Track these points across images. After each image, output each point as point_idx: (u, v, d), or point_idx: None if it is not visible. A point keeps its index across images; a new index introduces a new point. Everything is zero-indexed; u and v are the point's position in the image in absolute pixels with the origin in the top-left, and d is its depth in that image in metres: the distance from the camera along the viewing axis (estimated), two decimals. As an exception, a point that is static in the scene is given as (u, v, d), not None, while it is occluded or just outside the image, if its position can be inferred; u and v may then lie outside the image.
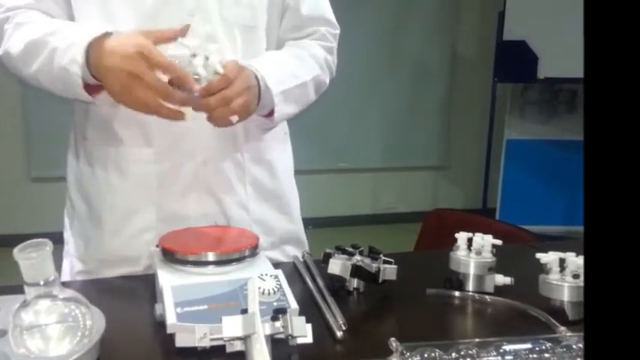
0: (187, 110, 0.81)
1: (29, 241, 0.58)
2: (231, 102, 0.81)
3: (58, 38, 0.82)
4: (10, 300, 0.68)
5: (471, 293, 0.84)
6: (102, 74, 0.79)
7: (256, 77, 0.88)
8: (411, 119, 4.08)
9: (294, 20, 1.01)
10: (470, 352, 0.62)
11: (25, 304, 0.60)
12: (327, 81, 1.05)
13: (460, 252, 0.86)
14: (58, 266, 0.69)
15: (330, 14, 1.05)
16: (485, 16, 3.94)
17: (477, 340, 0.64)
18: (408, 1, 3.92)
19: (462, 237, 0.87)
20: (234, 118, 0.85)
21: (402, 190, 4.16)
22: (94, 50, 0.79)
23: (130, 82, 0.76)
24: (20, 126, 3.36)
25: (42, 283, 0.59)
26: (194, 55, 0.77)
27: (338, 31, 1.06)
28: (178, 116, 0.80)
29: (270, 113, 0.93)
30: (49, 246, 0.59)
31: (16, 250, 0.57)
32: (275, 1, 0.97)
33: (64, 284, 0.64)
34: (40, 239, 0.59)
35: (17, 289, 0.68)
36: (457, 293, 0.84)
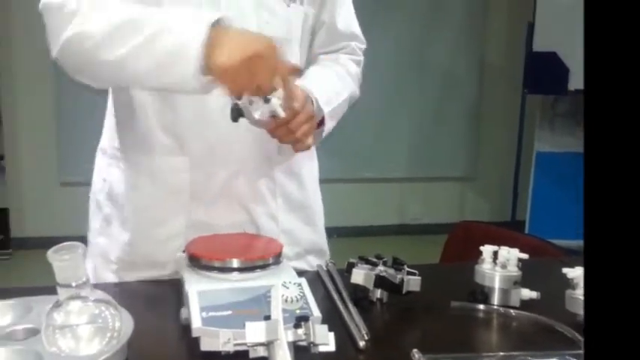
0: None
1: (62, 244, 0.60)
2: (295, 132, 0.87)
3: (163, 19, 0.77)
4: (42, 300, 0.70)
5: (495, 307, 0.83)
6: (224, 49, 0.74)
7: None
8: (438, 129, 4.05)
9: (328, 36, 1.05)
10: (493, 365, 0.61)
11: (57, 305, 0.62)
12: (358, 95, 1.09)
13: (485, 265, 0.86)
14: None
15: (358, 30, 1.10)
16: (514, 26, 3.91)
17: (501, 353, 0.63)
18: (435, 10, 3.91)
19: (487, 250, 0.86)
20: (310, 140, 0.90)
21: (428, 200, 4.12)
22: (214, 30, 0.75)
23: (255, 61, 0.74)
24: (52, 133, 3.45)
25: (74, 284, 0.61)
26: (267, 100, 0.81)
27: (364, 46, 1.11)
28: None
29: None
30: (81, 249, 0.61)
31: (50, 252, 0.60)
32: (308, 17, 1.00)
33: (94, 286, 0.66)
34: (72, 242, 0.61)
35: (48, 289, 0.70)
36: (482, 306, 0.83)
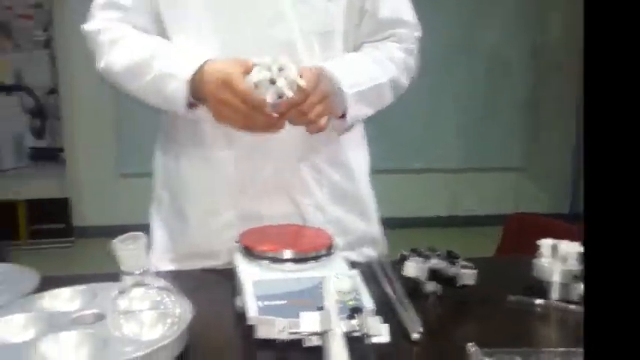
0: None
1: (127, 234, 0.63)
2: (308, 113, 0.85)
3: (159, 64, 0.90)
4: (107, 287, 0.74)
5: (554, 301, 0.81)
6: (201, 99, 0.88)
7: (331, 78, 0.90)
8: (491, 117, 3.91)
9: (371, 25, 1.02)
10: (552, 361, 0.60)
11: (121, 292, 0.65)
12: (407, 83, 1.04)
13: (544, 259, 0.83)
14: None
15: (409, 16, 1.04)
16: (571, 8, 3.73)
17: (560, 349, 0.62)
18: (485, -7, 3.77)
19: (545, 244, 0.84)
20: (323, 120, 0.88)
21: (481, 191, 4.00)
22: (194, 81, 0.87)
23: (220, 106, 0.85)
24: (111, 125, 3.59)
25: (137, 272, 0.64)
26: (273, 82, 0.81)
27: (418, 33, 1.05)
28: (274, 129, 0.85)
29: (343, 115, 0.95)
30: (143, 238, 0.64)
31: (115, 242, 0.63)
32: (352, 7, 0.98)
33: (155, 274, 0.69)
34: (136, 232, 0.64)
35: (111, 276, 0.74)
36: (540, 301, 0.81)
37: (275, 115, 0.84)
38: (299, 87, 0.82)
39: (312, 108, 0.85)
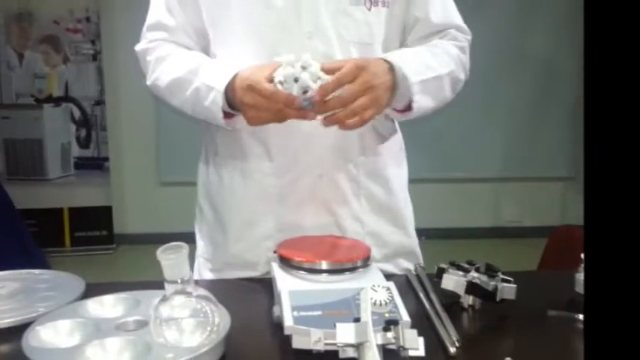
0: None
1: (169, 244, 0.65)
2: (350, 103, 0.84)
3: (198, 78, 0.94)
4: (149, 295, 0.76)
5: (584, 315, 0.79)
6: (236, 107, 0.91)
7: (391, 69, 0.89)
8: (537, 125, 3.78)
9: (424, 30, 1.01)
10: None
11: (164, 299, 0.67)
12: (463, 78, 1.02)
13: (585, 273, 0.81)
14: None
15: (459, 21, 1.04)
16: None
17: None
18: (534, -2, 3.65)
19: (587, 257, 0.82)
20: (368, 114, 0.86)
21: (527, 202, 3.87)
22: (229, 90, 0.90)
23: (250, 111, 0.87)
24: (153, 135, 3.70)
25: (179, 281, 0.66)
26: (297, 79, 0.82)
27: (470, 37, 1.04)
28: (306, 116, 0.85)
29: (407, 108, 0.94)
30: (185, 249, 0.66)
31: (158, 252, 0.65)
32: (395, 16, 0.98)
33: (196, 283, 0.71)
34: (179, 242, 0.65)
35: (153, 284, 0.76)
36: (581, 317, 0.79)
37: (307, 107, 0.84)
38: (323, 79, 0.83)
39: (354, 97, 0.84)
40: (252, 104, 0.86)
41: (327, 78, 0.83)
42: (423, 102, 0.93)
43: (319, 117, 0.86)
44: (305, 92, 0.82)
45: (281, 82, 0.83)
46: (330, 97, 0.84)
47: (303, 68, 0.82)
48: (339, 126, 0.86)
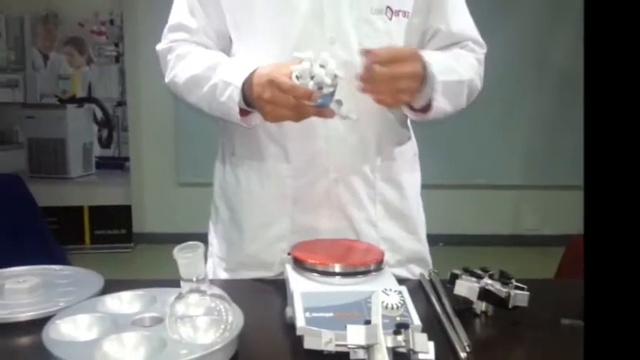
0: (352, 113, 0.89)
1: (186, 243, 0.67)
2: (398, 81, 0.86)
3: (216, 75, 0.95)
4: (165, 292, 0.78)
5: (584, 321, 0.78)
6: (253, 104, 0.91)
7: (422, 65, 0.90)
8: (559, 133, 3.74)
9: (444, 40, 1.02)
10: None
11: (179, 297, 0.68)
12: (480, 89, 1.03)
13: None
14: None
15: (476, 34, 1.05)
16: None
17: (613, 377, 0.60)
18: (556, 5, 3.62)
19: (601, 266, 0.81)
20: (404, 97, 0.87)
21: (546, 210, 3.83)
22: (246, 87, 0.91)
23: (270, 106, 0.87)
24: (172, 136, 3.75)
25: (194, 279, 0.67)
26: (312, 76, 0.84)
27: (485, 50, 1.05)
28: (324, 114, 0.87)
29: (424, 108, 0.94)
30: (201, 248, 0.67)
31: (175, 251, 0.66)
32: (414, 26, 0.99)
33: (210, 282, 0.72)
34: (195, 242, 0.67)
35: (169, 282, 0.78)
36: (594, 326, 0.79)
37: (325, 105, 0.85)
38: (338, 77, 0.84)
39: (404, 76, 0.86)
40: (270, 99, 0.86)
41: (342, 74, 0.84)
42: (442, 103, 0.94)
43: (342, 111, 0.87)
44: (320, 89, 0.83)
45: (297, 77, 0.84)
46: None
47: (322, 67, 0.83)
48: (373, 97, 0.87)
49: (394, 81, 0.86)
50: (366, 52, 0.85)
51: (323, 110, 0.86)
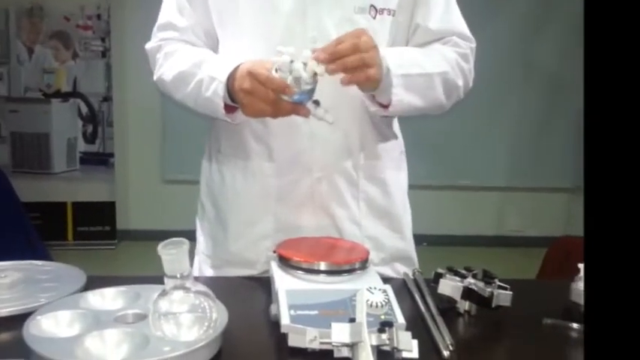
0: (328, 116, 0.88)
1: (170, 240, 0.66)
2: (365, 52, 0.84)
3: (202, 71, 0.95)
4: (149, 289, 0.78)
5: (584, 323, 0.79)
6: (235, 97, 0.91)
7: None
8: (543, 135, 3.78)
9: (423, 37, 1.02)
10: (584, 388, 0.59)
11: (163, 294, 0.68)
12: (460, 84, 1.00)
13: (582, 283, 0.82)
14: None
15: (462, 27, 1.03)
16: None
17: (593, 376, 0.61)
18: (542, 6, 3.65)
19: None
20: (371, 71, 0.85)
21: (530, 212, 3.87)
22: (230, 81, 0.91)
23: (248, 98, 0.87)
24: (158, 133, 3.72)
25: (179, 276, 0.67)
26: (292, 61, 0.84)
27: (473, 45, 1.04)
28: (300, 112, 0.86)
29: (390, 102, 0.93)
30: (186, 244, 0.67)
31: (159, 247, 0.66)
32: (400, 23, 0.99)
33: (195, 279, 0.72)
34: (179, 238, 0.67)
35: (153, 279, 0.77)
36: (576, 326, 0.80)
37: (301, 102, 0.85)
38: (317, 74, 0.83)
39: (371, 60, 0.84)
40: (248, 90, 0.86)
41: (321, 70, 0.83)
42: (405, 97, 0.92)
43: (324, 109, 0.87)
44: (297, 80, 0.83)
45: (277, 70, 0.84)
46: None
47: (303, 64, 0.83)
48: (344, 77, 0.85)
49: (359, 53, 0.84)
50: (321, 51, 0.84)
51: (299, 108, 0.86)
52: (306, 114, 0.86)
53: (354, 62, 0.84)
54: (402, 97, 0.92)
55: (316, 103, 0.87)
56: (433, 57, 0.98)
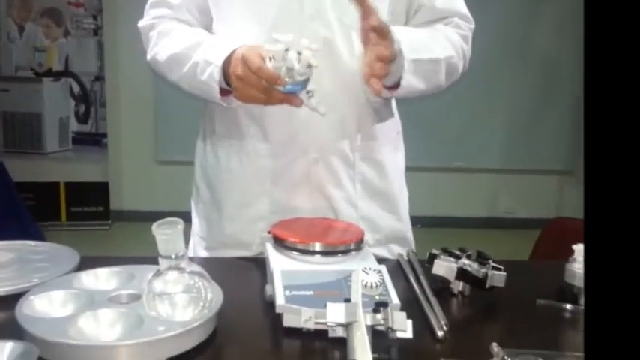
0: (321, 107, 0.87)
1: (165, 219, 0.66)
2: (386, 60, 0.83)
3: (197, 54, 0.93)
4: (143, 269, 0.77)
5: (584, 307, 0.80)
6: (230, 82, 0.90)
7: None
8: (538, 118, 3.78)
9: (428, 16, 1.01)
10: (576, 366, 0.60)
11: (157, 274, 0.68)
12: (460, 68, 1.01)
13: (577, 264, 0.82)
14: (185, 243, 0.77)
15: (463, 8, 1.03)
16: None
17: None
18: (540, -10, 3.63)
19: (580, 248, 0.83)
20: (378, 85, 0.84)
21: (523, 194, 3.90)
22: (226, 66, 0.89)
23: (240, 83, 0.86)
24: (151, 113, 3.68)
25: (173, 256, 0.66)
26: (287, 50, 0.82)
27: (473, 26, 1.04)
28: (292, 101, 0.85)
29: (396, 85, 0.93)
30: (180, 224, 0.66)
31: (153, 227, 0.65)
32: (398, 3, 0.98)
33: (190, 259, 0.72)
34: (174, 218, 0.66)
35: (147, 259, 0.77)
36: (569, 306, 0.81)
37: (294, 92, 0.84)
38: (312, 66, 0.82)
39: (391, 58, 0.84)
40: (241, 76, 0.85)
41: (315, 62, 0.82)
42: (413, 82, 0.92)
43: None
44: (290, 70, 0.82)
45: (271, 59, 0.83)
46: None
47: (298, 53, 0.82)
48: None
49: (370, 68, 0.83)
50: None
51: (291, 98, 0.84)
52: (298, 104, 0.85)
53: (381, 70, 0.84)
54: (410, 81, 0.92)
55: (309, 93, 0.86)
56: (440, 40, 0.98)
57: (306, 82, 0.84)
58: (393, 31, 0.88)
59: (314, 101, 0.87)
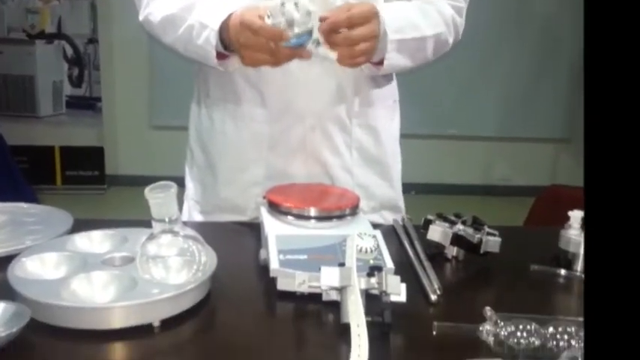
0: (331, 53, 0.85)
1: (158, 183, 0.65)
2: (356, 44, 0.84)
3: (193, 16, 0.91)
4: (137, 232, 0.77)
5: (578, 274, 0.80)
6: (232, 47, 0.88)
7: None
8: (534, 86, 3.75)
9: None
10: (568, 329, 0.60)
11: (151, 237, 0.67)
12: (450, 41, 1.00)
13: (572, 231, 0.82)
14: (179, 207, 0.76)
15: None
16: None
17: (580, 319, 0.61)
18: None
19: (575, 215, 0.82)
20: (361, 59, 0.86)
21: (518, 162, 3.90)
22: (223, 30, 0.87)
23: (244, 50, 0.85)
24: (146, 77, 3.63)
25: (167, 220, 0.66)
26: (283, 3, 0.80)
27: None
28: (301, 55, 0.84)
29: (380, 61, 0.92)
30: (174, 188, 0.65)
31: (146, 190, 0.64)
32: None
33: (184, 224, 0.71)
34: (167, 182, 0.65)
35: (141, 222, 0.76)
36: (563, 272, 0.81)
37: (299, 45, 0.83)
38: (311, 12, 0.81)
39: (361, 39, 0.84)
40: (245, 43, 0.84)
41: (314, 8, 0.80)
42: (396, 60, 0.92)
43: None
44: (290, 24, 0.80)
45: (269, 16, 0.81)
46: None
47: (295, 4, 0.80)
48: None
49: (352, 45, 0.84)
50: (323, 19, 0.82)
51: (300, 51, 0.83)
52: (307, 56, 0.84)
53: (344, 54, 0.84)
54: (394, 60, 0.92)
55: (316, 42, 0.84)
56: (430, 15, 0.96)
57: (310, 31, 0.82)
58: (380, 10, 0.87)
59: (322, 49, 0.85)
